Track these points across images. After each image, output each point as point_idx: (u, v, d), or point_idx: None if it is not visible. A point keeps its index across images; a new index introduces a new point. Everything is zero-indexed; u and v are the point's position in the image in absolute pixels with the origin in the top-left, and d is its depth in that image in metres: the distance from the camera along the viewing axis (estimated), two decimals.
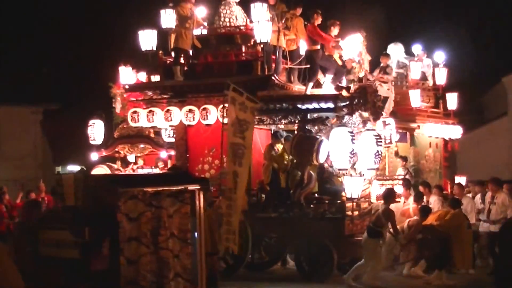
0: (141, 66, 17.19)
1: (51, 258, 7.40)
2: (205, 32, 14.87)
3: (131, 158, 17.63)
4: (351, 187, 12.70)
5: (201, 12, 15.07)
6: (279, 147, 13.75)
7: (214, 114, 13.83)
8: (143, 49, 14.41)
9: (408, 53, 17.88)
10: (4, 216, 15.11)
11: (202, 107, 13.91)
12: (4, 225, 14.93)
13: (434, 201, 13.94)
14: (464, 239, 12.92)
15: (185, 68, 14.58)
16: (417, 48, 17.84)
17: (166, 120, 14.41)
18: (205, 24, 15.01)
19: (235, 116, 10.26)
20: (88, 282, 7.13)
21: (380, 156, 13.31)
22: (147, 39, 14.36)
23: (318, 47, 13.98)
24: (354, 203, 12.87)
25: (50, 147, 27.58)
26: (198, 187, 7.65)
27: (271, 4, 14.11)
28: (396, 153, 15.59)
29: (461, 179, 16.94)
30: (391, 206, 12.10)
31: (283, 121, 13.74)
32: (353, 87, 13.84)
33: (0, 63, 26.88)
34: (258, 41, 13.55)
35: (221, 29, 14.57)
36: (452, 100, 17.74)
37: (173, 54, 14.96)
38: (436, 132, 17.21)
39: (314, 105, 13.31)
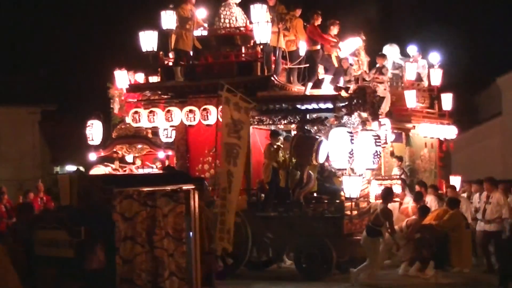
0: (140, 67, 17.25)
1: (46, 258, 7.44)
2: (205, 33, 14.92)
3: (129, 158, 17.69)
4: (350, 187, 12.78)
5: (201, 13, 15.16)
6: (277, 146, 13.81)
7: (214, 115, 13.86)
8: (144, 50, 14.44)
9: (404, 54, 17.85)
10: (3, 216, 15.15)
11: (202, 108, 13.97)
12: (3, 225, 14.96)
13: (430, 200, 14.09)
14: (462, 239, 13.09)
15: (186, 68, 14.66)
16: (412, 49, 17.81)
17: (167, 120, 14.50)
18: (205, 25, 15.08)
19: (229, 116, 10.32)
20: (84, 281, 7.18)
21: (379, 156, 13.38)
22: (148, 40, 14.39)
23: (318, 47, 14.05)
24: (353, 203, 12.95)
25: (49, 147, 27.62)
26: (193, 187, 7.73)
27: (271, 5, 14.18)
28: (392, 153, 15.63)
29: (456, 179, 17.09)
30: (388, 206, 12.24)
31: (282, 121, 13.82)
32: (351, 87, 13.95)
33: None
34: (257, 42, 13.59)
35: (221, 30, 14.62)
36: (447, 101, 17.75)
37: (171, 55, 15.09)
38: (431, 132, 17.26)
39: (313, 105, 13.38)
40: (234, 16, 14.60)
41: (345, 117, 13.37)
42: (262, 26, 13.42)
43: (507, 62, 25.96)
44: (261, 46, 13.74)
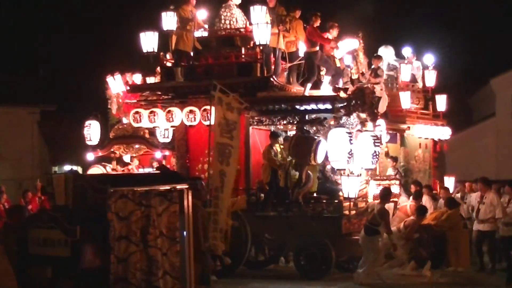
0: (137, 68, 17.32)
1: (41, 257, 7.47)
2: (205, 34, 14.95)
3: (126, 158, 17.76)
4: (348, 187, 12.87)
5: (201, 14, 15.19)
6: (277, 147, 13.80)
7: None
8: (145, 50, 14.47)
9: (398, 55, 17.91)
10: (2, 216, 15.20)
11: (203, 108, 13.99)
12: (2, 224, 15.01)
13: (424, 200, 14.22)
14: (460, 239, 13.23)
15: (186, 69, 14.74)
16: (407, 51, 17.86)
17: (167, 120, 14.55)
18: (206, 26, 15.11)
19: (222, 116, 10.37)
20: (79, 280, 7.24)
21: (377, 156, 13.46)
22: (149, 41, 14.44)
23: (317, 48, 14.11)
24: (352, 203, 13.04)
25: (47, 147, 27.61)
26: (186, 186, 7.78)
27: (271, 7, 14.25)
28: (387, 154, 15.68)
29: (450, 179, 17.25)
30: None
31: (282, 122, 13.90)
32: (350, 88, 14.06)
33: None
34: (257, 43, 13.65)
35: (222, 31, 14.67)
36: (441, 102, 17.83)
37: (169, 56, 15.16)
38: (426, 133, 17.39)
39: (312, 106, 13.45)
40: (234, 17, 14.63)
41: (344, 118, 13.44)
42: (262, 28, 13.46)
43: (500, 64, 26.19)
44: (261, 47, 13.79)
